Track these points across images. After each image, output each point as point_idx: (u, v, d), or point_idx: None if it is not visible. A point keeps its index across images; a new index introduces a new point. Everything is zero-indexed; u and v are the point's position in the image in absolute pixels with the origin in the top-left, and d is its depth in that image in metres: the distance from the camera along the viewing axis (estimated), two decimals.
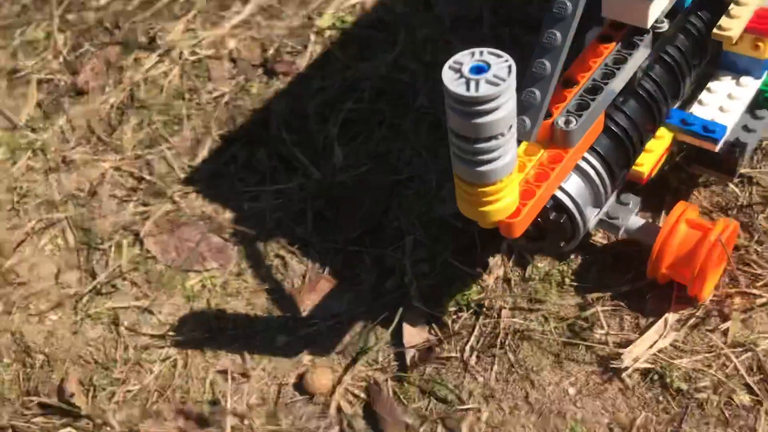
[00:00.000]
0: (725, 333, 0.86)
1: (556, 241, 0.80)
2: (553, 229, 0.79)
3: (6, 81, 1.36)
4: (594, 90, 0.76)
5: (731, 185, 0.98)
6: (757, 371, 0.83)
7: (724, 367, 0.84)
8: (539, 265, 0.96)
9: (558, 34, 0.70)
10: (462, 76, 0.58)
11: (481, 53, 0.59)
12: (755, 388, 0.81)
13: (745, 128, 0.91)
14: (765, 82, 0.93)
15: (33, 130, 1.27)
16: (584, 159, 0.80)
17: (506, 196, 0.68)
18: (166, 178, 1.16)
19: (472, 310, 0.94)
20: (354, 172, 1.11)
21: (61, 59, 1.37)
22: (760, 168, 1.00)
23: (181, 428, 0.90)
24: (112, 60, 1.36)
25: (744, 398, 0.81)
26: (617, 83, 0.77)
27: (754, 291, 0.88)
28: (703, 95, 0.91)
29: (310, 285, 1.01)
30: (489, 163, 0.63)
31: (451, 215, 1.02)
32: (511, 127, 0.62)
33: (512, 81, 0.58)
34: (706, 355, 0.85)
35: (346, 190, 1.10)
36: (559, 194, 0.77)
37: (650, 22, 0.77)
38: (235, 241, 1.07)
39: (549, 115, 0.74)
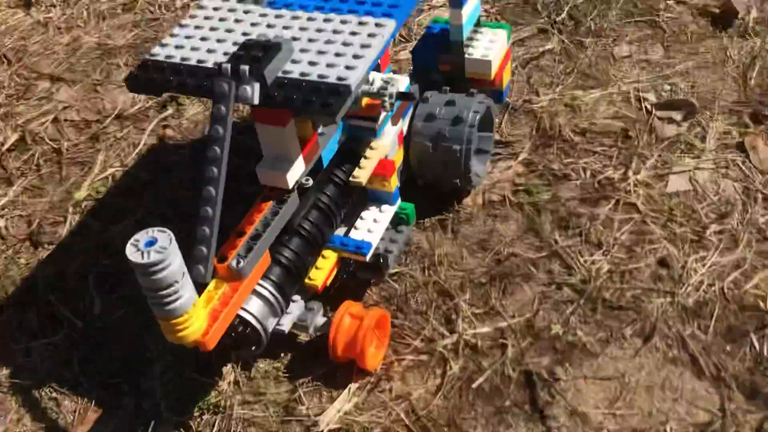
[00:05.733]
0: (391, 390, 1.19)
1: (249, 347, 1.10)
2: (243, 338, 1.08)
3: None
4: (257, 237, 1.08)
5: (390, 281, 1.35)
6: (412, 413, 1.16)
7: (389, 416, 1.16)
8: (260, 366, 1.25)
9: (211, 191, 0.99)
10: (138, 249, 0.87)
11: (152, 231, 0.89)
12: (411, 426, 1.14)
13: (391, 240, 1.29)
14: (400, 206, 1.32)
15: None
16: (261, 284, 1.11)
17: (194, 323, 0.97)
18: None
19: (211, 411, 1.20)
20: (111, 318, 1.36)
21: None
22: (408, 266, 1.38)
23: None
24: None
25: None
26: (274, 230, 1.10)
27: (406, 356, 1.23)
28: (357, 222, 1.28)
29: (80, 418, 1.23)
30: (172, 303, 0.92)
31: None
32: (183, 274, 0.91)
33: (173, 247, 0.88)
34: (378, 409, 1.17)
35: (105, 334, 1.34)
36: (242, 312, 1.08)
37: (292, 185, 1.12)
38: (12, 393, 1.26)
39: (226, 258, 1.05)
